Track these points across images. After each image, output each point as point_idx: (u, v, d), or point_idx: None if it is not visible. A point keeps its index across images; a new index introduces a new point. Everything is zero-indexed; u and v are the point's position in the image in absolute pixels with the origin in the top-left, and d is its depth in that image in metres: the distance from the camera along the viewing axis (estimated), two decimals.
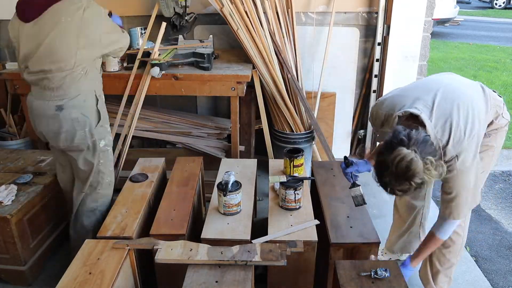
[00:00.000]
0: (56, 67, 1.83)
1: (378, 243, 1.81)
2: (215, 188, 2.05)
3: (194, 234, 2.00)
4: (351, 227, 1.88)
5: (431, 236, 1.72)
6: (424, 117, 1.48)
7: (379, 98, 1.78)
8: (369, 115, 1.68)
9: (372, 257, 1.76)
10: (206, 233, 1.83)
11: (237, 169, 2.36)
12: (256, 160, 2.52)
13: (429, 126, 1.47)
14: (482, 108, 1.59)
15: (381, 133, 1.71)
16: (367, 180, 3.00)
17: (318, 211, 2.04)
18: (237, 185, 1.96)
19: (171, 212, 1.99)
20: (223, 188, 1.91)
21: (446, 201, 1.61)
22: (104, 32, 1.94)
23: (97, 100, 2.00)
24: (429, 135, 1.43)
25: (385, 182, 1.42)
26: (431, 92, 1.56)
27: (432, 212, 2.18)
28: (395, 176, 1.37)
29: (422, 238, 1.94)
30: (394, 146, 1.37)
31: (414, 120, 1.50)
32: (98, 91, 2.04)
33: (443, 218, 1.66)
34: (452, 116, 1.49)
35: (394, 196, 2.29)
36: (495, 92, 1.74)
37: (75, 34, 1.82)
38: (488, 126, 1.69)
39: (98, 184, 2.11)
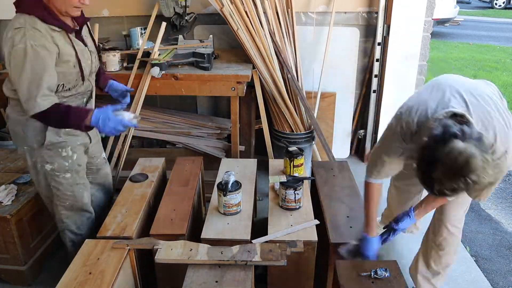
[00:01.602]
0: None
1: None
2: (215, 188, 2.05)
3: (194, 234, 1.99)
4: (351, 227, 1.88)
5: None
6: (468, 116, 1.34)
7: (397, 112, 1.55)
8: (397, 132, 1.50)
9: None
10: (206, 233, 1.83)
11: (237, 169, 2.36)
12: (256, 160, 2.52)
13: (475, 124, 1.33)
14: (499, 98, 1.48)
15: (407, 151, 1.52)
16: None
17: (318, 211, 2.04)
18: (237, 185, 1.96)
19: (171, 212, 1.99)
20: (223, 188, 1.91)
21: (476, 189, 1.41)
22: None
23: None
24: (481, 132, 1.30)
25: (434, 180, 1.25)
26: (454, 91, 1.43)
27: None
28: (449, 171, 1.21)
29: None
30: (447, 139, 1.22)
31: (456, 121, 1.32)
32: None
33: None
34: (487, 111, 1.37)
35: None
36: None
37: None
38: None
39: (56, 205, 1.99)
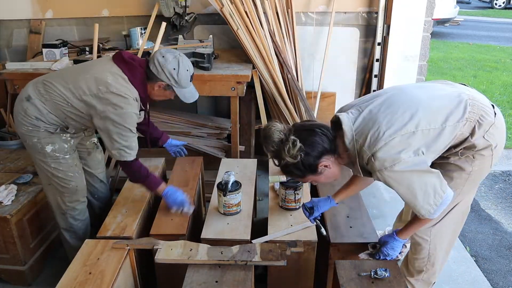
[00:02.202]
0: None
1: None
2: (215, 188, 2.05)
3: (194, 234, 2.00)
4: (351, 227, 1.88)
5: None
6: (344, 118, 1.50)
7: None
8: None
9: (362, 255, 1.74)
10: (206, 233, 1.83)
11: (237, 169, 2.36)
12: (256, 160, 2.52)
13: (346, 127, 1.49)
14: (433, 115, 1.48)
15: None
16: None
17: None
18: (237, 185, 1.96)
19: (171, 212, 1.99)
20: (223, 188, 1.91)
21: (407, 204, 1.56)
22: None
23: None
24: (320, 128, 1.51)
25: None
26: (376, 98, 1.55)
27: None
28: (261, 140, 1.56)
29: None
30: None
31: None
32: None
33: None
34: (377, 118, 1.46)
35: (394, 196, 2.28)
36: (493, 106, 1.59)
37: None
38: (460, 143, 1.54)
39: (54, 190, 2.03)
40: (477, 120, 1.50)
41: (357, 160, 1.50)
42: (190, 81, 1.93)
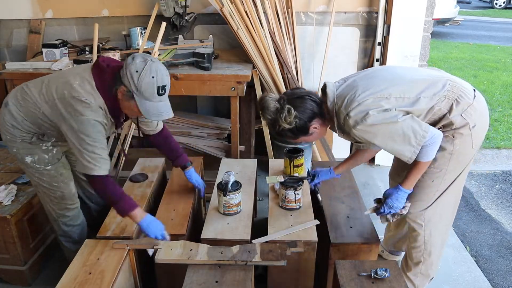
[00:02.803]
0: None
1: (378, 243, 1.81)
2: (215, 188, 2.05)
3: (194, 234, 1.99)
4: (351, 227, 1.88)
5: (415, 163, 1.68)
6: (329, 84, 1.72)
7: None
8: None
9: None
10: (206, 233, 1.83)
11: (237, 169, 2.36)
12: (256, 160, 2.52)
13: (330, 91, 1.69)
14: (409, 87, 1.62)
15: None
16: (366, 180, 2.99)
17: (318, 211, 2.04)
18: (237, 185, 1.96)
19: (171, 212, 1.99)
20: (223, 188, 1.91)
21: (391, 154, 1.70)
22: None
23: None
24: (309, 95, 1.71)
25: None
26: (362, 71, 1.78)
27: None
28: (259, 109, 1.76)
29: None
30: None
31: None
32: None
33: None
34: (357, 85, 1.65)
35: None
36: (474, 91, 1.68)
37: None
38: (439, 120, 1.64)
39: (44, 196, 1.99)
40: (455, 99, 1.61)
41: (335, 120, 1.70)
42: (160, 95, 1.64)
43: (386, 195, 1.77)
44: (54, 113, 1.71)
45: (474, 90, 1.69)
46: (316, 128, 1.72)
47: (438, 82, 1.63)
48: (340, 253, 1.80)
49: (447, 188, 1.75)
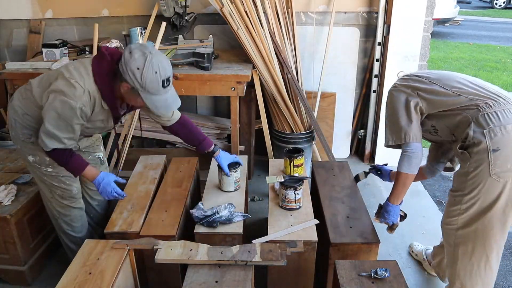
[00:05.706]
0: None
1: (378, 243, 1.81)
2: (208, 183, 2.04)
3: (186, 235, 1.98)
4: (351, 227, 1.88)
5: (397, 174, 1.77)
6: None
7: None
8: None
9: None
10: (198, 228, 1.84)
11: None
12: (246, 156, 2.52)
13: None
14: (449, 81, 1.66)
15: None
16: (367, 180, 3.00)
17: (318, 211, 2.04)
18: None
19: (162, 213, 1.98)
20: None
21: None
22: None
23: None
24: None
25: None
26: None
27: None
28: None
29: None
30: None
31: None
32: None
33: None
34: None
35: None
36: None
37: None
38: (461, 130, 1.59)
39: (46, 195, 2.02)
40: (486, 113, 1.52)
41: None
42: (164, 87, 1.61)
43: (381, 206, 1.87)
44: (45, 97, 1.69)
45: None
46: None
47: (482, 97, 1.56)
48: (340, 253, 1.80)
49: (470, 219, 1.61)
